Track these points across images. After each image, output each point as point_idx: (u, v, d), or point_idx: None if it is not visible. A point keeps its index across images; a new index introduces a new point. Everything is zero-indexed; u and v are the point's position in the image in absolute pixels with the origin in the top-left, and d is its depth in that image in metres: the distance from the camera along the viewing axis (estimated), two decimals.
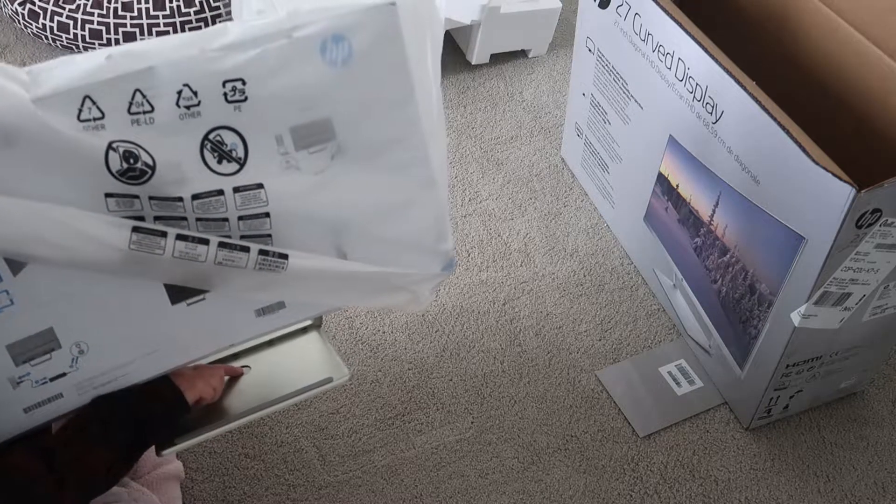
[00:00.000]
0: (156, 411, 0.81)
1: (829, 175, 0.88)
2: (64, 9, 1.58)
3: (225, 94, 0.68)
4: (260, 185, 0.71)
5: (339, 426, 1.17)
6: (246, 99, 0.69)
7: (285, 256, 0.73)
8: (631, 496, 1.13)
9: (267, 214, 0.72)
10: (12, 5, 1.62)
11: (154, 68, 0.66)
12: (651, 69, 1.16)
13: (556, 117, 1.63)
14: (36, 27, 1.61)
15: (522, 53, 1.76)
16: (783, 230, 0.98)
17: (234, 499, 1.10)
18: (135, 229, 0.67)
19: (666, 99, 1.14)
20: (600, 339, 1.30)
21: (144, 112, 0.67)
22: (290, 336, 0.96)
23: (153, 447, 0.82)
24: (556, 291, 1.35)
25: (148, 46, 0.67)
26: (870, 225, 0.90)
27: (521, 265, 1.39)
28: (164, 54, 0.67)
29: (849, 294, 0.99)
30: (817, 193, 0.90)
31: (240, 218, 0.71)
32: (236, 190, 0.71)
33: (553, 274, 1.38)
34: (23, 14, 1.61)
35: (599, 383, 1.24)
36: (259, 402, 0.88)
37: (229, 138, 0.70)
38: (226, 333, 0.81)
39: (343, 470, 1.13)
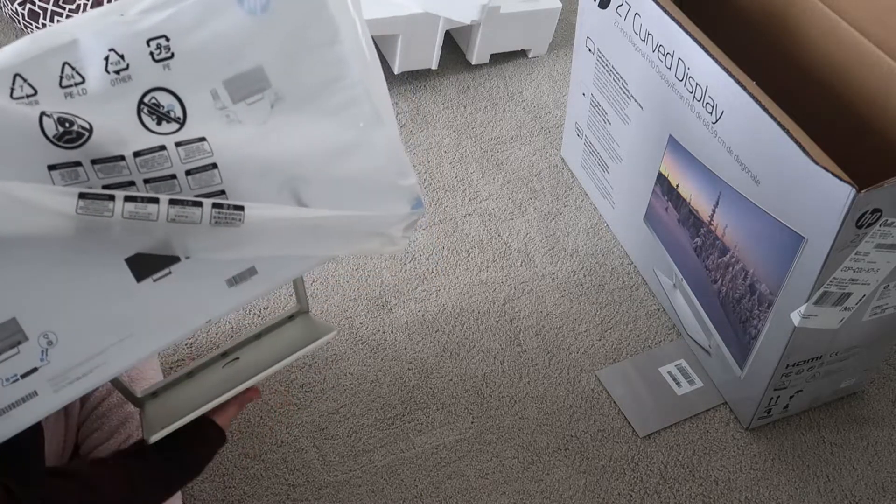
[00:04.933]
0: (205, 458, 0.88)
1: (829, 175, 0.88)
2: (64, 9, 1.58)
3: (151, 54, 0.70)
4: (202, 138, 0.72)
5: (339, 426, 1.17)
6: (172, 56, 0.70)
7: (241, 208, 0.72)
8: (631, 496, 1.13)
9: (214, 165, 0.72)
10: (12, 5, 1.62)
11: (78, 40, 0.68)
12: (651, 69, 1.16)
13: (556, 117, 1.63)
14: (36, 27, 1.61)
15: (522, 53, 1.76)
16: (783, 230, 0.98)
17: (234, 499, 1.10)
18: (81, 195, 0.67)
19: (666, 99, 1.14)
20: (600, 339, 1.30)
21: (76, 84, 0.68)
22: (278, 325, 0.96)
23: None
24: (556, 291, 1.35)
25: (70, 22, 0.69)
26: (870, 225, 0.90)
27: (521, 265, 1.39)
28: (87, 26, 0.68)
29: (849, 294, 0.99)
30: (817, 193, 0.90)
31: (187, 172, 0.71)
32: (178, 144, 0.71)
33: (553, 274, 1.38)
34: (23, 14, 1.61)
35: (599, 383, 1.24)
36: (248, 376, 0.88)
37: (165, 99, 0.70)
38: (200, 309, 0.79)
39: (343, 470, 1.13)
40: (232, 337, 0.94)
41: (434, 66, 1.65)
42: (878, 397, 1.25)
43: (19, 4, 1.61)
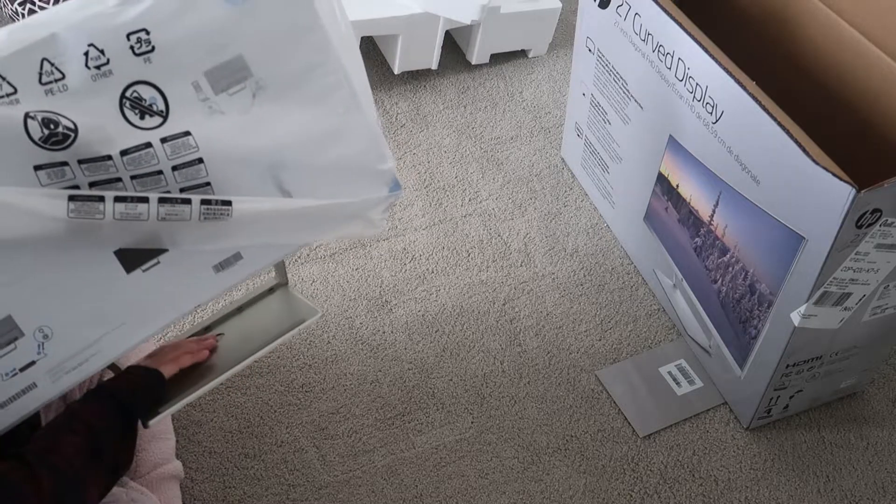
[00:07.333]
0: (139, 396, 0.84)
1: (829, 175, 0.88)
2: None
3: (132, 48, 0.69)
4: (187, 133, 0.71)
5: (339, 426, 1.17)
6: (153, 49, 0.69)
7: (229, 203, 0.73)
8: (631, 496, 1.13)
9: (200, 160, 0.72)
10: (12, 5, 1.62)
11: (56, 34, 0.67)
12: (651, 69, 1.16)
13: (556, 117, 1.63)
14: None
15: (522, 53, 1.76)
16: (783, 230, 0.98)
17: (234, 499, 1.10)
18: (71, 198, 0.67)
19: (666, 99, 1.14)
20: (600, 339, 1.30)
21: (56, 80, 0.67)
22: (258, 298, 0.96)
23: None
24: (556, 291, 1.35)
25: (47, 15, 0.68)
26: (870, 225, 0.90)
27: (521, 265, 1.39)
28: (65, 19, 0.67)
29: (849, 294, 0.99)
30: (817, 193, 0.90)
31: (174, 168, 0.71)
32: (164, 140, 0.70)
33: (553, 274, 1.38)
34: (23, 14, 1.61)
35: (599, 383, 1.24)
36: (237, 359, 0.89)
37: (147, 93, 0.70)
38: (188, 295, 0.80)
39: (343, 470, 1.13)
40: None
41: (434, 66, 1.65)
42: (878, 397, 1.25)
43: (19, 4, 1.61)
